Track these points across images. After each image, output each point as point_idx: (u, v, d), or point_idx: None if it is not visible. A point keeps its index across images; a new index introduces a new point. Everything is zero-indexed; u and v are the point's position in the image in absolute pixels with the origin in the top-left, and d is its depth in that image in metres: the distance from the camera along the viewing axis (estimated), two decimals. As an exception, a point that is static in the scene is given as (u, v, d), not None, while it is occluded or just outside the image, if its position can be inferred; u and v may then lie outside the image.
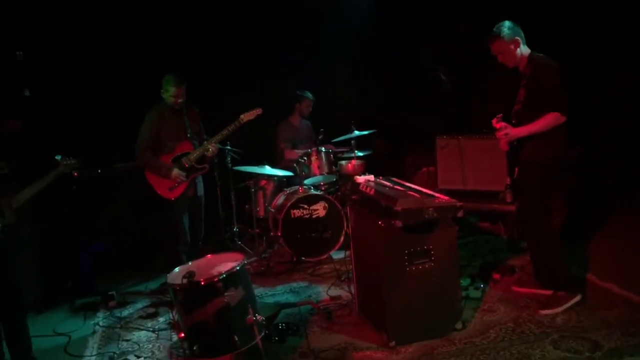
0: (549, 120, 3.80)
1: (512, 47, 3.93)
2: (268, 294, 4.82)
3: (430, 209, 3.55)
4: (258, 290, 4.76)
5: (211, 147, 4.92)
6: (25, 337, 3.75)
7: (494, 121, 4.09)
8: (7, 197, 3.78)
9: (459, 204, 3.62)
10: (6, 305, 3.65)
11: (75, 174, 5.44)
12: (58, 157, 4.16)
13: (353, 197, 4.25)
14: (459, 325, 3.79)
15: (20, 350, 3.69)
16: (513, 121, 4.04)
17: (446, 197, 3.70)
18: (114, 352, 4.00)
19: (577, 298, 3.97)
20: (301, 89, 6.58)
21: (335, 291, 4.69)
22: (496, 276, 4.56)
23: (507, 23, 3.95)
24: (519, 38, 3.92)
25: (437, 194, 3.76)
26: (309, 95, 6.54)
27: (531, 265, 4.32)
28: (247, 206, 6.14)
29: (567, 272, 4.05)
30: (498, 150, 5.16)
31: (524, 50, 3.96)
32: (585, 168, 4.99)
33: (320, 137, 6.18)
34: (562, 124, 3.80)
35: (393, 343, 3.65)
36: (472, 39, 6.12)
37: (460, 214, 3.61)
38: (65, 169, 4.15)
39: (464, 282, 4.40)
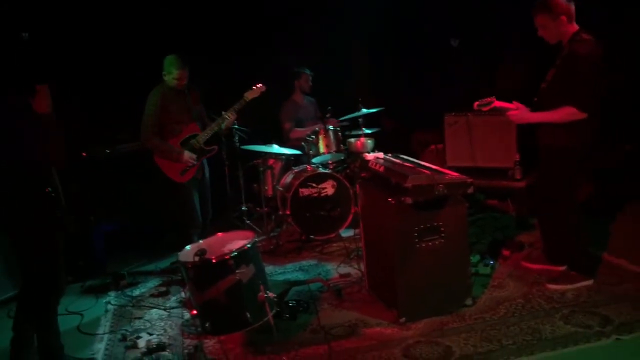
0: (563, 114, 3.66)
1: (557, 24, 3.68)
2: (278, 272, 4.85)
3: (441, 185, 3.54)
4: (268, 269, 4.77)
5: (230, 116, 4.90)
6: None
7: (475, 104, 4.01)
8: None
9: (469, 180, 3.61)
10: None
11: (84, 154, 5.49)
12: None
13: (362, 174, 4.25)
14: (469, 302, 3.81)
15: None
16: (535, 99, 3.91)
17: (456, 174, 3.68)
18: (127, 330, 4.04)
19: (589, 282, 3.93)
20: (298, 65, 6.52)
21: (344, 269, 4.71)
22: (505, 252, 4.57)
23: None
24: (566, 16, 3.66)
25: (447, 171, 3.75)
26: (307, 70, 6.47)
27: (541, 241, 4.31)
28: (255, 185, 6.14)
29: (584, 253, 4.00)
30: (507, 127, 5.22)
31: (569, 27, 3.70)
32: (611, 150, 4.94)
33: (327, 115, 6.15)
34: (585, 118, 3.62)
35: (403, 319, 3.68)
36: (488, 12, 6.07)
37: (470, 190, 3.61)
38: None
39: (473, 258, 4.40)
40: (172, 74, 4.68)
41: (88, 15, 6.00)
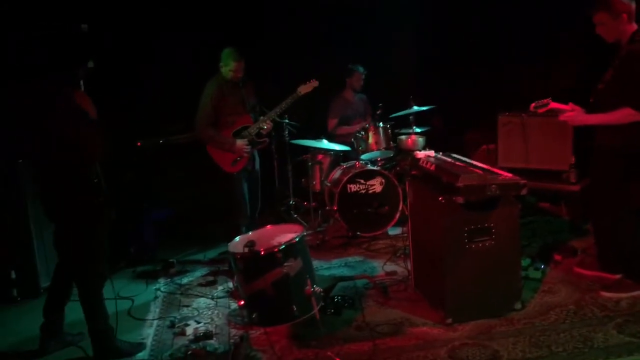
0: (620, 115, 3.57)
1: (617, 22, 3.60)
2: (324, 267, 4.86)
3: (493, 185, 3.48)
4: (314, 263, 4.72)
5: (266, 125, 4.93)
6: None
7: (532, 106, 3.92)
8: None
9: (522, 181, 3.53)
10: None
11: (139, 143, 5.63)
12: None
13: (412, 172, 4.21)
14: (518, 306, 3.73)
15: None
16: (591, 100, 3.81)
17: (509, 175, 3.61)
18: (175, 317, 4.12)
19: None
20: (352, 62, 6.48)
21: (390, 267, 4.69)
22: (557, 257, 4.46)
23: None
24: (627, 14, 3.58)
25: (499, 171, 3.68)
26: (360, 68, 6.44)
27: (595, 247, 4.19)
28: (303, 180, 6.17)
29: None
30: (563, 129, 5.08)
31: (629, 27, 3.62)
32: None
33: (378, 112, 6.12)
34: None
35: (450, 320, 3.63)
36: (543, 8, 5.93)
37: (524, 191, 3.53)
38: None
39: (524, 262, 4.29)
40: (229, 65, 4.74)
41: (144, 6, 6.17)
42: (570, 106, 3.89)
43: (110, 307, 4.13)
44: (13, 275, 4.68)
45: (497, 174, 3.62)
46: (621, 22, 3.60)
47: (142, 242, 5.49)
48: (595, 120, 3.76)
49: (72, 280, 3.79)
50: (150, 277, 5.01)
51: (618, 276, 3.93)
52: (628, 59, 3.58)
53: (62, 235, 3.64)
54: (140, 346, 3.78)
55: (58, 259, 3.84)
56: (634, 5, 3.61)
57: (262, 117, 4.96)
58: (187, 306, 4.34)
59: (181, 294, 4.60)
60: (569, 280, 4.13)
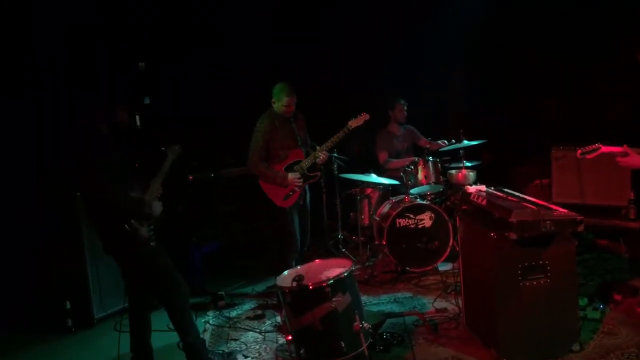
0: None
1: None
2: (372, 303, 4.80)
3: (548, 221, 3.38)
4: (362, 299, 4.69)
5: (322, 155, 4.94)
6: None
7: (578, 152, 3.86)
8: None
9: (579, 217, 3.42)
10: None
11: (191, 177, 5.74)
12: (163, 148, 4.27)
13: (463, 207, 4.14)
14: (576, 347, 3.58)
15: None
16: None
17: (565, 210, 3.51)
18: (223, 350, 4.13)
19: None
20: (392, 94, 6.48)
21: (441, 303, 4.59)
22: (617, 297, 4.26)
23: None
24: None
25: (554, 207, 3.58)
26: (401, 100, 6.41)
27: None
28: (352, 214, 6.15)
29: None
30: (620, 163, 4.92)
31: None
32: None
33: (427, 146, 6.09)
34: None
35: (503, 360, 3.52)
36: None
37: (580, 228, 3.42)
38: (173, 156, 4.18)
39: (582, 301, 4.13)
40: (282, 101, 4.81)
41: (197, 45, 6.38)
42: (624, 148, 3.76)
43: (160, 339, 4.19)
44: (68, 305, 4.79)
45: (551, 209, 3.52)
46: None
47: (192, 274, 5.54)
48: None
49: (147, 312, 3.94)
50: (199, 309, 5.05)
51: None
52: None
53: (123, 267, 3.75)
54: (231, 355, 3.94)
55: (127, 292, 3.95)
56: None
57: (318, 148, 4.97)
58: (236, 340, 4.35)
59: (229, 327, 4.61)
60: (630, 321, 3.94)
